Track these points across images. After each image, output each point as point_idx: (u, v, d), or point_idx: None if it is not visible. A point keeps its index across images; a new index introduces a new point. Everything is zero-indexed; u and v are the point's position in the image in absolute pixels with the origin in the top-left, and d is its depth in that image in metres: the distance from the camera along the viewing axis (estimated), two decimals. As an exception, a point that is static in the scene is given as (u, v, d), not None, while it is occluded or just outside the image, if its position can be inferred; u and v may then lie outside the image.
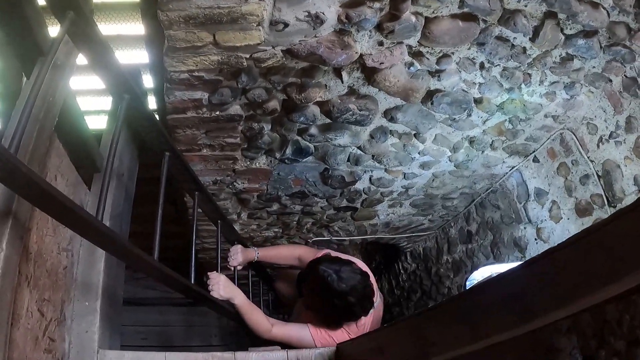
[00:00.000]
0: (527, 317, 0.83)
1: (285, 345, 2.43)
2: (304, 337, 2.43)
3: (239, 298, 2.43)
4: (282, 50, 2.14)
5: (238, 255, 2.81)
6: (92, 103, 3.58)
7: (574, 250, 0.71)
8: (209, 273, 2.41)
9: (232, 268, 2.81)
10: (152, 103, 2.81)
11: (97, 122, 3.58)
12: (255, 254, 2.88)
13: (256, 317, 2.49)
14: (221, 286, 2.37)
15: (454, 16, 2.13)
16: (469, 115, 2.86)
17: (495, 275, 2.17)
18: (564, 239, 0.73)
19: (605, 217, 0.70)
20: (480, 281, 2.28)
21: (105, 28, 2.94)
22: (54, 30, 1.60)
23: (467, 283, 2.45)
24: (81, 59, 1.70)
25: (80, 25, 1.47)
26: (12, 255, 1.27)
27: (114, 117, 2.19)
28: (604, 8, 2.21)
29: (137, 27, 2.98)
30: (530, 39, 2.31)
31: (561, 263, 0.74)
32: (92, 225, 1.27)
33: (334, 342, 2.33)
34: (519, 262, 0.91)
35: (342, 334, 2.42)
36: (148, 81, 2.73)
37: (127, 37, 3.09)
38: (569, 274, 0.73)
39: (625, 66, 2.57)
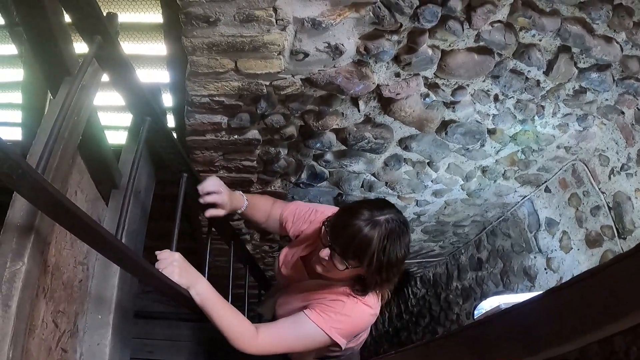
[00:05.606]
0: (533, 350, 0.85)
1: (283, 356, 1.87)
2: (305, 330, 1.74)
3: (202, 285, 1.67)
4: (301, 79, 2.17)
5: (224, 197, 1.98)
6: (110, 119, 3.64)
7: (576, 290, 0.73)
8: (157, 252, 1.67)
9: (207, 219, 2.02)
10: (170, 121, 2.84)
11: (114, 138, 3.64)
12: (243, 202, 2.11)
13: (232, 316, 1.72)
14: (176, 269, 1.61)
15: (469, 49, 2.17)
16: (482, 145, 2.88)
17: (503, 306, 2.19)
18: (573, 272, 0.76)
19: (607, 260, 0.72)
20: (488, 312, 2.29)
21: (128, 47, 3.01)
22: (78, 45, 1.64)
23: (476, 312, 2.45)
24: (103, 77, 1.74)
25: (106, 49, 1.52)
26: (33, 269, 1.29)
27: (134, 135, 2.24)
28: (617, 42, 2.25)
29: (158, 47, 3.05)
30: (544, 72, 2.34)
31: (564, 301, 0.76)
32: (112, 244, 1.30)
33: (351, 323, 1.79)
34: (527, 294, 0.94)
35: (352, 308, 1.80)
36: (168, 99, 2.78)
37: (148, 57, 3.16)
38: (572, 312, 0.75)
39: (637, 99, 2.59)
